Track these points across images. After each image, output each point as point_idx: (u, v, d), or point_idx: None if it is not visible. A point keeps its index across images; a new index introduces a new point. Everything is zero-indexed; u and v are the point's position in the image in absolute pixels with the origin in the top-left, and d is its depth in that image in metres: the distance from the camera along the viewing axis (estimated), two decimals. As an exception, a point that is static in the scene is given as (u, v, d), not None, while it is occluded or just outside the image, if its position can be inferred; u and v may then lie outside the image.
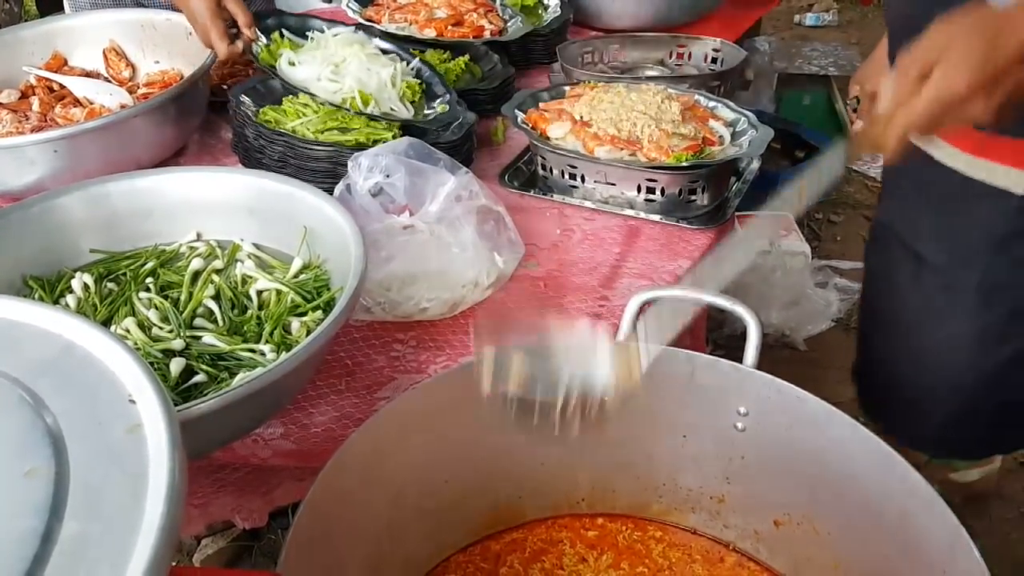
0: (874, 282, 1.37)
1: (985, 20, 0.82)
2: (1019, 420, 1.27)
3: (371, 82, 1.46)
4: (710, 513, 1.02)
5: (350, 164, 1.20)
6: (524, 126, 1.41)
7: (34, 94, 1.60)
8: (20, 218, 1.08)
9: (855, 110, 1.46)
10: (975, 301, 1.18)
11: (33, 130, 1.47)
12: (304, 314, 1.04)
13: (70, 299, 1.05)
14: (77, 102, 1.58)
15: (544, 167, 1.41)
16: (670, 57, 1.84)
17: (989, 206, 1.12)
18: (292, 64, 1.48)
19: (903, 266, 1.26)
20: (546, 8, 1.97)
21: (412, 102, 1.48)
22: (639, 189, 1.34)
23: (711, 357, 0.93)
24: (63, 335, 0.63)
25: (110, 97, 1.59)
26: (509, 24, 1.81)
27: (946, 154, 1.15)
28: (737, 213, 1.38)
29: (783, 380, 0.89)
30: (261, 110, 1.43)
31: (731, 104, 1.43)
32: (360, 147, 1.32)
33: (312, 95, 1.41)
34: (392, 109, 1.46)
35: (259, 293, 1.07)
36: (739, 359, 0.93)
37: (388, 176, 1.19)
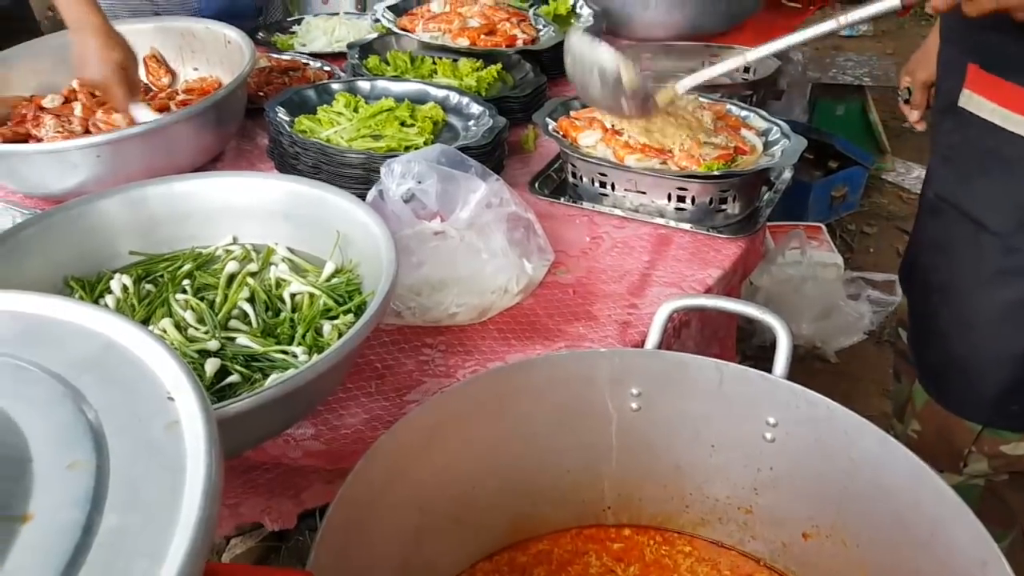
0: (929, 252, 1.38)
1: None
2: None
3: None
4: (738, 525, 1.01)
5: (383, 170, 1.21)
6: (555, 134, 1.42)
7: (76, 99, 1.64)
8: (62, 220, 1.11)
9: (906, 101, 1.47)
10: None
11: (76, 135, 1.50)
12: (336, 317, 1.05)
13: (109, 300, 1.07)
14: (118, 107, 1.61)
15: (574, 175, 1.42)
16: (702, 66, 1.82)
17: None
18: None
19: (961, 234, 1.28)
20: (579, 17, 1.98)
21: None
22: (669, 197, 1.34)
23: (740, 367, 0.93)
24: (104, 333, 0.65)
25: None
26: (541, 33, 1.82)
27: (1008, 120, 1.17)
28: (768, 223, 1.38)
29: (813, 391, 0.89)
30: (296, 120, 1.45)
31: (763, 113, 1.43)
32: (392, 153, 1.34)
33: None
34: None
35: (292, 296, 1.09)
36: (769, 370, 0.93)
37: (420, 182, 1.21)
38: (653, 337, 1.00)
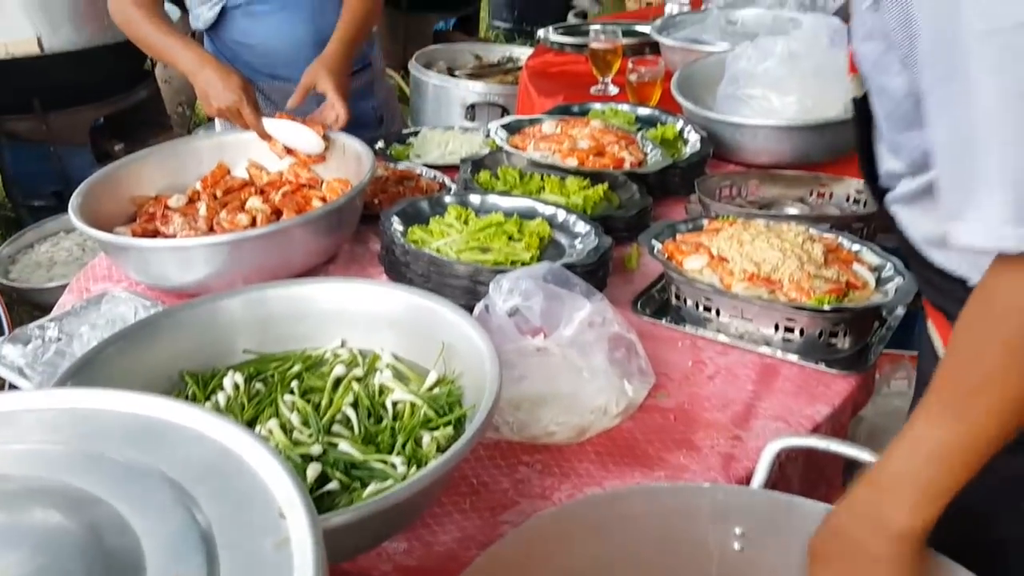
0: None
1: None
2: None
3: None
4: None
5: (492, 285, 1.23)
6: (660, 256, 1.42)
7: (199, 199, 1.71)
8: (186, 316, 1.16)
9: None
10: None
11: (202, 233, 1.58)
12: (436, 428, 1.05)
13: (221, 396, 1.11)
14: (241, 208, 1.69)
15: (678, 297, 1.41)
16: (811, 195, 1.82)
17: None
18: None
19: None
20: (686, 142, 2.00)
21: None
22: (777, 327, 1.31)
23: (853, 515, 0.88)
24: (220, 441, 0.66)
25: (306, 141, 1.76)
26: (649, 156, 1.85)
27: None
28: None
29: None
30: (409, 229, 1.50)
31: (877, 248, 1.40)
32: (499, 267, 1.36)
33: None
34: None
35: (394, 404, 1.10)
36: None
37: (526, 299, 1.22)
38: (759, 476, 0.96)
